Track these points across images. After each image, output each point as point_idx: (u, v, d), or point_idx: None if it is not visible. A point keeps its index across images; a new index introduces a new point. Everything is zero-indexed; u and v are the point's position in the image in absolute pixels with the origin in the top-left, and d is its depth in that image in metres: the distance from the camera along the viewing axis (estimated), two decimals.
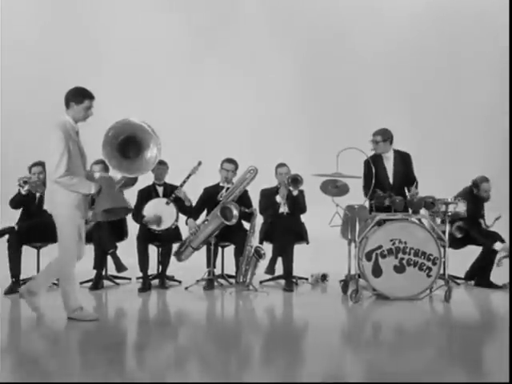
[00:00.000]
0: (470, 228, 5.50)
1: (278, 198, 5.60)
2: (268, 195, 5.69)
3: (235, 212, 5.18)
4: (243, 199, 5.49)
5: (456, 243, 5.36)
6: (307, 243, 5.68)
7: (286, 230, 5.42)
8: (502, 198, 5.81)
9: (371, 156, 5.27)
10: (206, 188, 5.69)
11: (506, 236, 5.58)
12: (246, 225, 5.51)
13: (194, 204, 5.61)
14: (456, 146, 10.19)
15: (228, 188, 5.51)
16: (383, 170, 5.37)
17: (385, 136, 5.37)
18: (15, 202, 5.37)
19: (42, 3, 10.25)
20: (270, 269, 5.50)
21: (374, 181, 4.96)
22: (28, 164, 5.48)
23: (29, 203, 5.40)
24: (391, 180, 5.37)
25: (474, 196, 5.66)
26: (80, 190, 3.97)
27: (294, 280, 5.50)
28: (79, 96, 4.01)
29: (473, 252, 5.61)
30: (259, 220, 5.59)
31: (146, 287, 5.23)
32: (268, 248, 5.44)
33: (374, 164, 5.05)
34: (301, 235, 5.61)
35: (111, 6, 10.23)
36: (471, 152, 10.18)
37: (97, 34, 10.23)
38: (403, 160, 5.46)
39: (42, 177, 5.41)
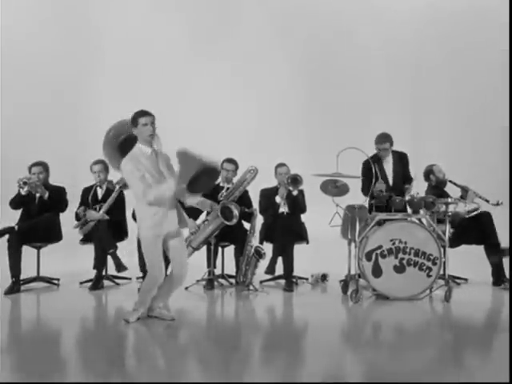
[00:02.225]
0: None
1: (278, 199, 5.60)
2: (268, 195, 5.69)
3: (235, 212, 5.18)
4: (243, 199, 5.50)
5: (452, 242, 5.33)
6: (307, 243, 5.68)
7: (286, 229, 5.42)
8: (502, 197, 5.78)
9: (371, 157, 5.29)
10: None
11: (506, 236, 5.58)
12: (246, 225, 5.51)
13: None
14: (456, 144, 10.20)
15: (228, 188, 5.52)
16: (383, 172, 5.41)
17: (391, 141, 5.46)
18: (15, 203, 5.38)
19: (43, 3, 10.25)
20: (271, 269, 5.50)
21: (374, 180, 4.98)
22: (28, 164, 5.49)
23: (29, 203, 5.40)
24: (391, 181, 5.41)
25: (437, 186, 5.70)
26: (166, 194, 3.89)
27: (294, 280, 5.50)
28: (133, 121, 3.99)
29: (470, 252, 5.62)
30: (259, 220, 5.59)
31: None
32: (268, 248, 5.44)
33: (373, 165, 5.07)
34: (301, 235, 5.61)
35: (112, 6, 10.23)
36: (471, 151, 10.18)
37: (97, 35, 10.24)
38: (401, 160, 5.54)
39: (42, 177, 5.43)
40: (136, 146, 4.01)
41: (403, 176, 5.50)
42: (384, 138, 5.44)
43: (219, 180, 5.65)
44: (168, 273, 4.22)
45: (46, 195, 5.35)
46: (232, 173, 5.57)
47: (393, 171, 5.48)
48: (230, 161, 5.61)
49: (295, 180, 5.45)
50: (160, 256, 4.05)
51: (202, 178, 3.82)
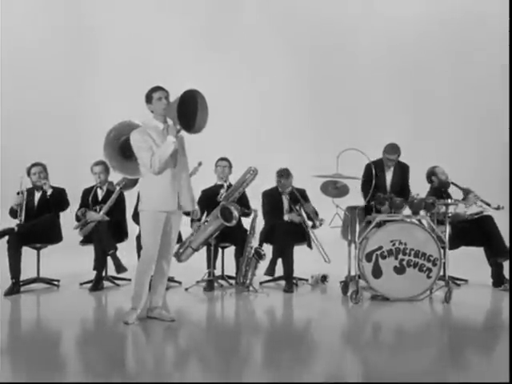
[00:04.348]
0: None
1: (286, 217, 5.59)
2: (270, 195, 5.70)
3: (235, 213, 5.19)
4: (242, 200, 5.50)
5: (452, 244, 5.32)
6: (310, 246, 5.66)
7: (287, 231, 5.42)
8: (502, 199, 5.79)
9: (374, 161, 5.32)
10: (203, 190, 5.71)
11: (506, 238, 5.58)
12: (246, 224, 5.51)
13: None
14: (457, 147, 10.21)
15: (228, 187, 5.52)
16: (383, 178, 5.47)
17: (399, 152, 5.53)
18: (13, 212, 5.42)
19: (43, 4, 10.27)
20: (270, 270, 5.50)
21: (374, 182, 4.99)
22: (27, 165, 5.51)
23: (28, 205, 5.42)
24: (388, 189, 5.47)
25: (439, 188, 5.72)
26: (167, 153, 3.87)
27: (294, 281, 5.50)
28: (147, 97, 4.03)
29: (470, 253, 5.62)
30: (260, 221, 5.60)
31: None
32: (268, 249, 5.44)
33: (375, 170, 5.10)
34: (302, 236, 5.60)
35: (113, 6, 10.25)
36: (472, 153, 10.19)
37: (97, 35, 10.25)
38: (402, 171, 5.62)
39: (43, 176, 5.46)
40: (149, 119, 4.04)
41: (401, 186, 5.55)
42: (395, 150, 5.51)
43: (215, 181, 5.67)
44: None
45: (50, 192, 5.38)
46: (228, 169, 5.65)
47: (391, 180, 5.55)
48: (223, 159, 5.71)
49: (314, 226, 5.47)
50: (158, 236, 4.02)
51: (188, 108, 3.84)
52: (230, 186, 5.57)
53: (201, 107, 3.92)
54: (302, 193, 5.73)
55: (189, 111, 3.86)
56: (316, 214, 5.50)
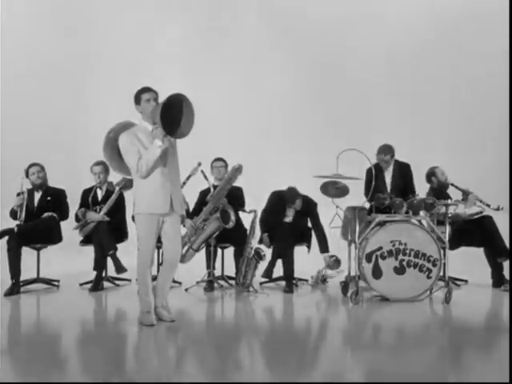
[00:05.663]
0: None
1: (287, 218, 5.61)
2: (277, 199, 5.68)
3: (233, 217, 5.22)
4: (237, 199, 5.49)
5: (452, 244, 5.31)
6: (308, 247, 5.66)
7: (287, 232, 5.42)
8: (502, 199, 5.79)
9: (374, 165, 5.32)
10: (201, 191, 5.71)
11: (506, 236, 5.58)
12: (246, 224, 5.51)
13: (191, 206, 5.64)
14: (457, 148, 10.20)
15: (215, 187, 5.48)
16: (382, 182, 5.49)
17: (392, 153, 5.56)
18: (14, 213, 5.42)
19: (43, 4, 10.26)
20: (268, 272, 5.49)
21: (373, 182, 5.00)
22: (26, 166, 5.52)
23: (28, 206, 5.42)
24: (388, 189, 5.50)
25: (438, 188, 5.71)
26: (154, 157, 3.83)
27: (294, 281, 5.50)
28: (135, 98, 4.01)
29: (470, 254, 5.62)
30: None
31: None
32: (267, 250, 5.44)
33: (375, 171, 5.10)
34: (302, 237, 5.60)
35: (111, 6, 10.24)
36: (472, 154, 10.18)
37: (97, 35, 10.24)
38: (402, 171, 5.60)
39: (41, 175, 5.48)
40: (138, 122, 4.02)
41: (404, 188, 5.53)
42: (384, 150, 5.54)
43: (212, 179, 5.66)
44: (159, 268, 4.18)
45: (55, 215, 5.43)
46: (224, 169, 5.60)
47: (391, 182, 5.55)
48: (218, 159, 5.67)
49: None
50: (152, 239, 4.00)
51: (173, 112, 3.79)
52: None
53: (186, 112, 3.89)
54: (314, 208, 5.67)
55: (173, 115, 3.80)
56: (337, 262, 5.47)
